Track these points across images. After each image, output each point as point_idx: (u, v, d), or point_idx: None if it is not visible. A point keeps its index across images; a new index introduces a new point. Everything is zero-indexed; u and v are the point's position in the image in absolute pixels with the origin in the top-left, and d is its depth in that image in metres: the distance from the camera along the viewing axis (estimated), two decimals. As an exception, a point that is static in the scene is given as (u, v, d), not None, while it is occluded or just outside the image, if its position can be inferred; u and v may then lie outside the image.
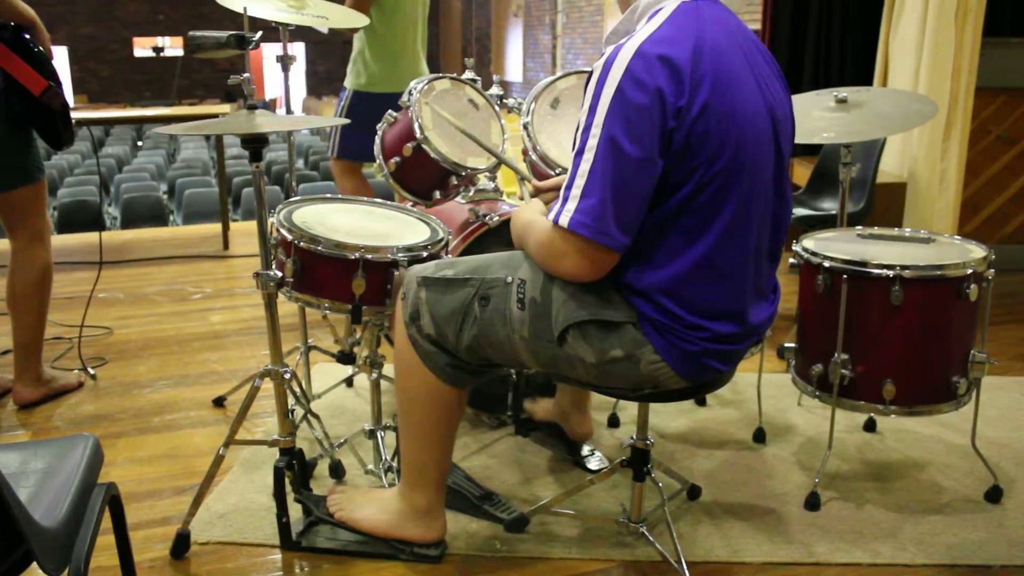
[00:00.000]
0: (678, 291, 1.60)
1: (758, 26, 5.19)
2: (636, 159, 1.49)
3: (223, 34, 2.08)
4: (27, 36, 2.60)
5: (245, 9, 2.17)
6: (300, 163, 10.58)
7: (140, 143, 13.34)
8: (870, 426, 2.66)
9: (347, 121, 2.21)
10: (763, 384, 2.65)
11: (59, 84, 2.62)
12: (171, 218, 7.87)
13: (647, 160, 1.50)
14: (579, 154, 1.54)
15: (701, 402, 2.83)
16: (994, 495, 2.25)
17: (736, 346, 1.69)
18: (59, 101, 2.61)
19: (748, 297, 1.67)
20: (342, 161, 3.65)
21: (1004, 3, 4.72)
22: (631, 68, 1.49)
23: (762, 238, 1.67)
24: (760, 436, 2.58)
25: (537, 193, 1.91)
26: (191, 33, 2.18)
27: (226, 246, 5.11)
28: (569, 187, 1.54)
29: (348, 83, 3.68)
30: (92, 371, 3.14)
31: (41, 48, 2.62)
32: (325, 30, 2.96)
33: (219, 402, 2.89)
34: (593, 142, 1.51)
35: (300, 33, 2.85)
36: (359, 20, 3.02)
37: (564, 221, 1.54)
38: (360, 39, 3.62)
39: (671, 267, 1.59)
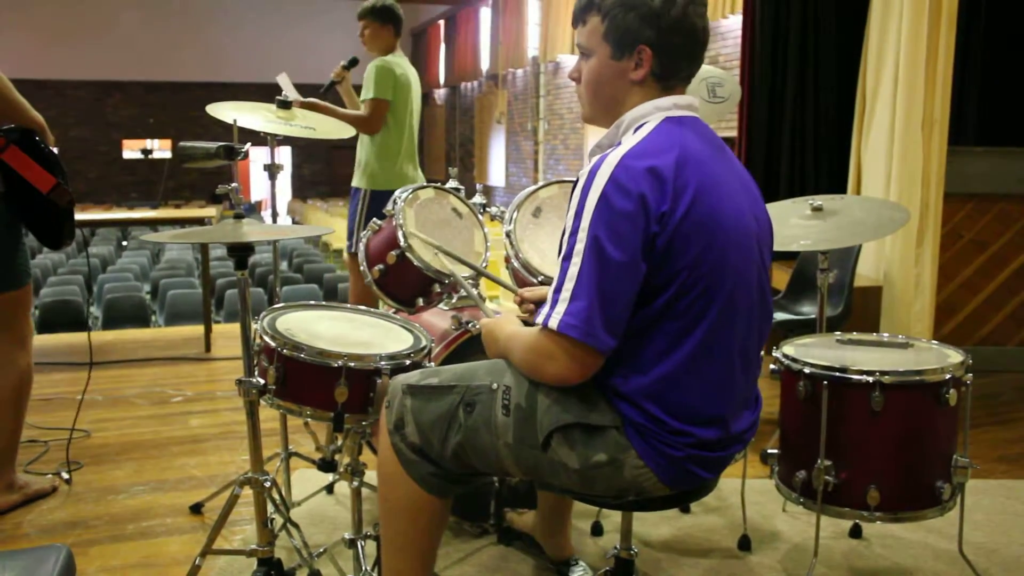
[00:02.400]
0: (662, 395, 1.60)
1: (734, 134, 5.35)
2: (620, 263, 1.52)
3: (212, 145, 2.14)
4: (37, 138, 2.69)
5: (235, 121, 2.23)
6: (284, 265, 10.65)
7: (125, 243, 13.39)
8: (856, 532, 2.64)
9: (331, 231, 2.25)
10: (747, 490, 2.64)
11: (66, 181, 2.69)
12: (154, 319, 7.84)
13: (631, 264, 1.53)
14: (566, 258, 1.57)
15: (685, 509, 2.80)
16: (983, 604, 2.23)
17: (719, 453, 1.68)
18: (67, 198, 2.70)
19: (732, 403, 1.68)
20: None
21: (968, 114, 4.91)
22: (615, 175, 1.54)
23: (747, 342, 1.69)
24: (745, 544, 2.55)
25: (523, 302, 1.94)
26: (181, 144, 2.23)
27: (208, 348, 5.09)
28: (558, 291, 1.57)
29: (362, 184, 4.09)
30: (67, 475, 3.08)
31: (50, 148, 2.71)
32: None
33: (196, 509, 2.83)
34: (580, 246, 1.54)
35: (287, 138, 2.93)
36: (345, 131, 3.10)
37: (554, 323, 1.56)
38: (371, 143, 4.08)
39: (656, 371, 1.60)
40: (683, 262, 1.55)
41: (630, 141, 1.61)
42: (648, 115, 1.67)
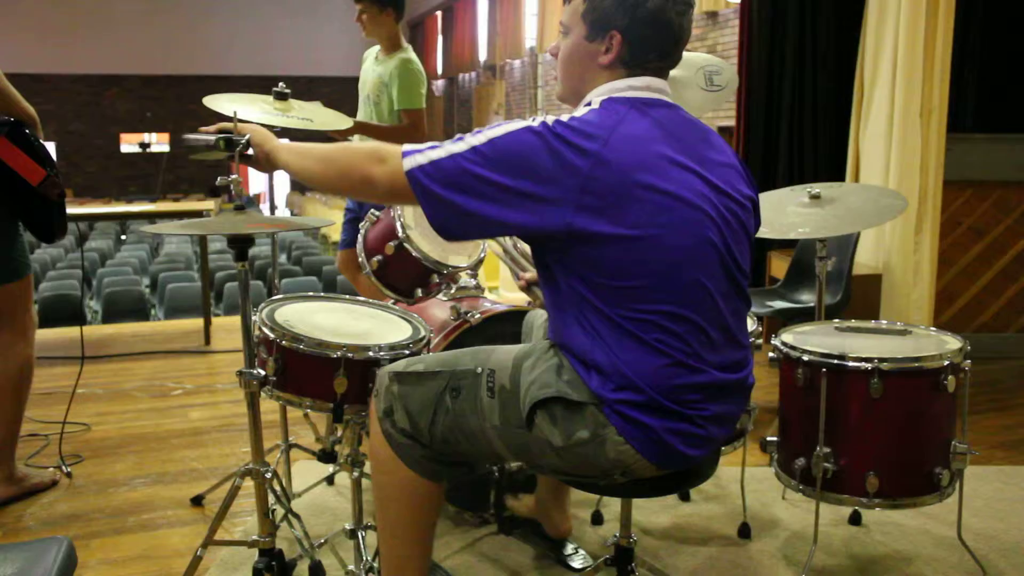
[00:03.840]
0: (624, 366, 1.60)
1: (732, 123, 5.35)
2: (489, 184, 1.56)
3: (212, 137, 2.13)
4: (27, 131, 2.67)
5: (235, 112, 2.22)
6: (283, 258, 10.65)
7: (124, 237, 13.40)
8: (855, 519, 2.65)
9: (331, 223, 2.25)
10: (747, 478, 2.64)
11: (57, 174, 2.67)
12: (153, 312, 7.85)
13: (501, 191, 1.56)
14: (461, 137, 1.61)
15: (685, 497, 2.81)
16: (982, 589, 2.23)
17: (700, 430, 1.67)
18: (57, 190, 2.67)
19: (698, 371, 1.64)
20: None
21: (967, 100, 4.90)
22: (542, 125, 1.58)
23: (709, 314, 1.65)
24: (745, 531, 2.56)
25: (528, 286, 1.95)
26: (184, 136, 2.23)
27: (207, 341, 5.09)
28: (435, 147, 1.62)
29: None
30: (68, 468, 3.09)
31: (41, 141, 2.69)
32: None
33: (198, 501, 2.84)
34: (473, 140, 1.59)
35: (285, 131, 2.91)
36: (342, 123, 3.09)
37: (408, 163, 1.60)
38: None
39: (613, 342, 1.60)
40: (599, 233, 1.56)
41: (572, 114, 1.64)
42: (599, 95, 1.69)
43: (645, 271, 1.59)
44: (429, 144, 1.63)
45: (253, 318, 2.10)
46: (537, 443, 1.69)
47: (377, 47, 3.89)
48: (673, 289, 1.61)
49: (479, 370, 1.76)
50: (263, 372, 2.02)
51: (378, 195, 1.70)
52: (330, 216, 13.68)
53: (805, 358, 2.17)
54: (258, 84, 3.17)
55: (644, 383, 1.61)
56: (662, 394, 1.62)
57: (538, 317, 2.21)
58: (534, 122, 1.59)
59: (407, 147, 1.63)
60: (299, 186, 21.63)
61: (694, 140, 1.70)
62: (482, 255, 2.70)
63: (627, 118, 1.62)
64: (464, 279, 2.65)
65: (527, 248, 2.28)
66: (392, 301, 2.50)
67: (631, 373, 1.61)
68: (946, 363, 2.11)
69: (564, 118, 1.61)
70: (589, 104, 1.68)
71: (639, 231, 1.57)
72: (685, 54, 1.80)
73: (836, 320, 2.50)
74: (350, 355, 2.01)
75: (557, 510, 2.38)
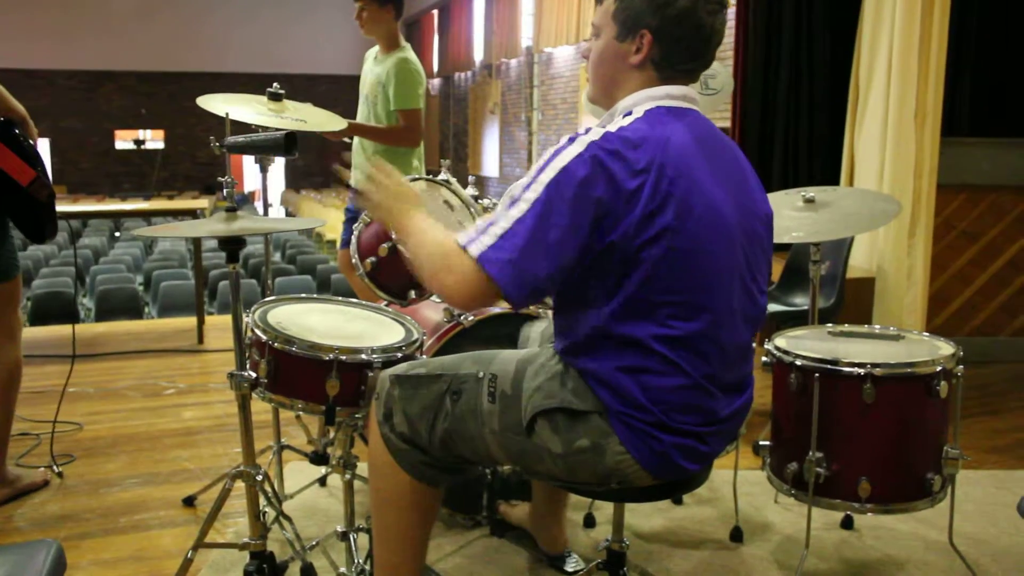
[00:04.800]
0: (640, 381, 1.60)
1: (728, 124, 5.35)
2: (563, 232, 1.52)
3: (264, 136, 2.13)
4: (16, 130, 2.64)
5: (227, 114, 2.22)
6: (277, 256, 10.62)
7: (117, 234, 13.35)
8: (847, 523, 2.65)
9: (323, 223, 2.24)
10: (739, 482, 2.64)
11: (46, 176, 2.65)
12: (146, 310, 7.83)
13: (571, 237, 1.53)
14: (514, 201, 1.57)
15: (677, 501, 2.81)
16: (973, 595, 2.24)
17: (703, 446, 1.68)
18: (46, 192, 2.63)
19: (712, 392, 1.67)
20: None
21: (960, 105, 4.91)
22: (590, 147, 1.55)
23: (730, 336, 1.68)
24: (737, 535, 2.56)
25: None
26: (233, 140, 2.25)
27: (201, 340, 5.08)
28: (493, 223, 1.57)
29: None
30: (59, 468, 3.08)
31: (31, 141, 2.66)
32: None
33: (189, 502, 2.83)
34: (531, 195, 1.55)
35: (278, 130, 2.89)
36: (336, 124, 3.09)
37: (475, 250, 1.55)
38: (386, 151, 3.76)
39: (632, 358, 1.60)
40: (649, 251, 1.55)
41: (614, 125, 1.62)
42: (639, 103, 1.68)
43: (684, 287, 1.59)
44: (487, 222, 1.59)
45: (245, 319, 2.10)
46: (536, 450, 1.69)
47: (378, 47, 3.87)
48: (704, 307, 1.61)
49: (481, 374, 1.76)
50: (254, 374, 2.01)
51: (459, 305, 1.63)
52: (324, 215, 13.65)
53: (798, 363, 2.17)
54: (255, 82, 3.16)
55: (656, 403, 1.61)
56: (673, 411, 1.62)
57: (534, 330, 2.21)
58: (582, 146, 1.56)
59: (462, 238, 1.58)
60: (294, 184, 21.61)
61: (724, 154, 1.71)
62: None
63: (673, 130, 1.61)
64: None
65: None
66: (385, 303, 2.50)
67: (642, 392, 1.61)
68: (939, 369, 2.11)
69: (613, 128, 1.59)
70: (630, 113, 1.65)
71: (686, 246, 1.57)
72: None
73: (829, 324, 2.51)
74: (342, 357, 2.01)
75: (553, 525, 2.37)
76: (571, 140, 1.58)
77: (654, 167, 1.55)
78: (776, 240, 2.71)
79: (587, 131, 1.60)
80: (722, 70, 3.20)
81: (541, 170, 1.57)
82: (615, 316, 1.59)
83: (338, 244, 3.85)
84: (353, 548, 2.26)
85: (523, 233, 1.53)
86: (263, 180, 2.81)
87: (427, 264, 1.64)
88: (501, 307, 2.49)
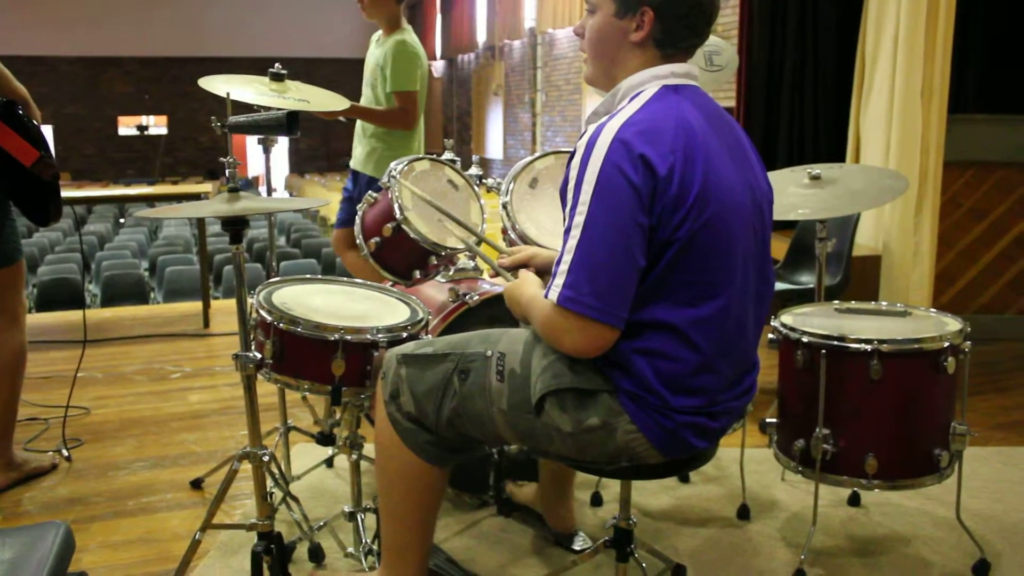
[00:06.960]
0: (654, 364, 1.60)
1: (732, 103, 5.32)
2: (619, 235, 1.52)
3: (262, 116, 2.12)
4: (20, 111, 2.64)
5: (228, 94, 2.20)
6: (281, 240, 10.62)
7: (122, 220, 13.35)
8: (854, 500, 2.65)
9: (326, 203, 2.23)
10: (746, 459, 2.64)
11: (50, 155, 2.64)
12: (152, 296, 7.84)
13: (629, 235, 1.53)
14: (567, 231, 1.57)
15: (684, 479, 2.81)
16: (981, 569, 2.24)
17: (713, 423, 1.68)
18: (51, 171, 2.63)
19: (725, 372, 1.67)
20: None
21: (967, 81, 4.87)
22: (614, 147, 1.53)
23: (744, 311, 1.68)
24: (744, 513, 2.56)
25: (496, 274, 1.94)
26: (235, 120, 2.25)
27: (206, 324, 5.09)
28: (559, 263, 1.58)
29: (368, 170, 3.76)
30: (67, 452, 3.09)
31: (34, 121, 2.65)
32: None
33: (197, 484, 2.84)
34: (580, 219, 1.54)
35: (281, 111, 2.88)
36: (339, 104, 3.07)
37: (553, 296, 1.57)
38: (385, 133, 3.74)
39: (650, 340, 1.60)
40: (677, 233, 1.55)
41: (627, 110, 1.60)
42: (645, 83, 1.66)
43: (706, 266, 1.59)
44: (554, 263, 1.59)
45: (250, 301, 2.09)
46: (545, 429, 1.69)
47: (381, 31, 3.84)
48: (724, 285, 1.62)
49: (489, 353, 1.75)
50: (259, 355, 2.01)
51: (588, 356, 1.62)
52: (329, 197, 13.63)
53: (805, 340, 2.17)
54: (258, 66, 3.14)
55: (668, 384, 1.61)
56: (684, 391, 1.62)
57: None
58: (606, 145, 1.54)
59: (544, 291, 1.60)
60: (298, 168, 21.58)
61: (729, 131, 1.71)
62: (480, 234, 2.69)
63: (686, 110, 1.61)
64: (462, 261, 2.64)
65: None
66: (390, 283, 2.49)
67: (654, 373, 1.61)
68: (946, 345, 2.10)
69: (628, 114, 1.58)
70: (638, 95, 1.64)
71: (709, 225, 1.57)
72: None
73: (836, 301, 2.50)
74: (348, 337, 2.01)
75: (561, 504, 2.37)
76: (591, 142, 1.56)
77: (679, 149, 1.55)
78: (782, 217, 2.72)
79: (601, 127, 1.58)
80: (726, 47, 3.17)
81: (579, 187, 1.56)
82: (639, 299, 1.59)
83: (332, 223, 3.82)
84: (360, 528, 2.27)
85: (586, 259, 1.54)
86: (266, 162, 2.80)
87: (546, 338, 1.66)
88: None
